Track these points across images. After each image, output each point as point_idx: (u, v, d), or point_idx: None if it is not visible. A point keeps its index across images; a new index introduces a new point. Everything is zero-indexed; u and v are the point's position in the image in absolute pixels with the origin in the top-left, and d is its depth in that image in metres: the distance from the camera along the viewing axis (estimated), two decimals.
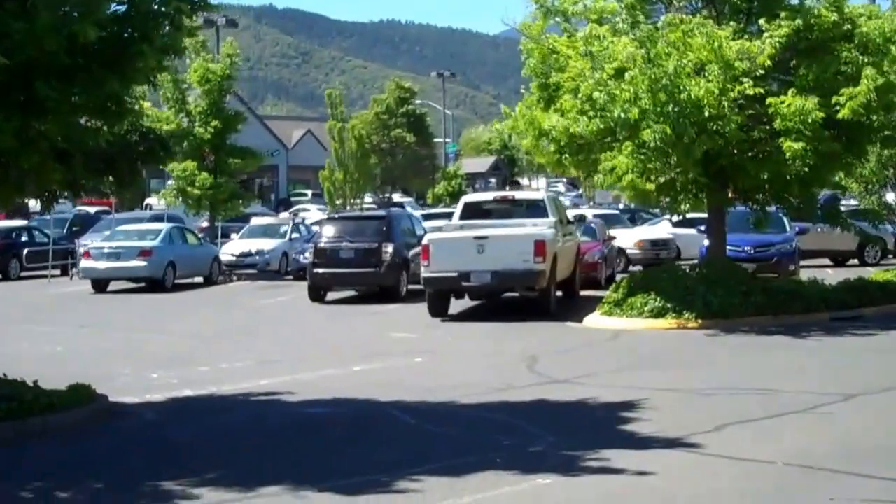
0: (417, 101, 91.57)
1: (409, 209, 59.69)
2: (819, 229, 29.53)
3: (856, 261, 37.01)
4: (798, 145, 19.46)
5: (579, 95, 20.25)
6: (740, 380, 15.26)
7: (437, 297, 23.72)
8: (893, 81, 20.34)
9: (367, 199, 79.19)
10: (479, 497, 9.48)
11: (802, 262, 31.79)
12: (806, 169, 20.12)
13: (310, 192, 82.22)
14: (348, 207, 47.46)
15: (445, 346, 20.12)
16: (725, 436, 11.66)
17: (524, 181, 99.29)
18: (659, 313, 21.24)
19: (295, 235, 38.22)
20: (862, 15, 20.70)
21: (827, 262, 37.23)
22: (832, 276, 26.54)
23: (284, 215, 50.14)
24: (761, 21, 20.53)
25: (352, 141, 48.28)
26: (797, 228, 28.32)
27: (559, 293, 25.33)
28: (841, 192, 26.46)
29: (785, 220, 28.70)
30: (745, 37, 20.63)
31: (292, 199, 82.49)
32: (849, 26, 20.35)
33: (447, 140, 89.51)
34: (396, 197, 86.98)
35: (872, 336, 19.35)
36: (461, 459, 10.74)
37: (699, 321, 20.82)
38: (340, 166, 48.17)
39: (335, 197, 49.30)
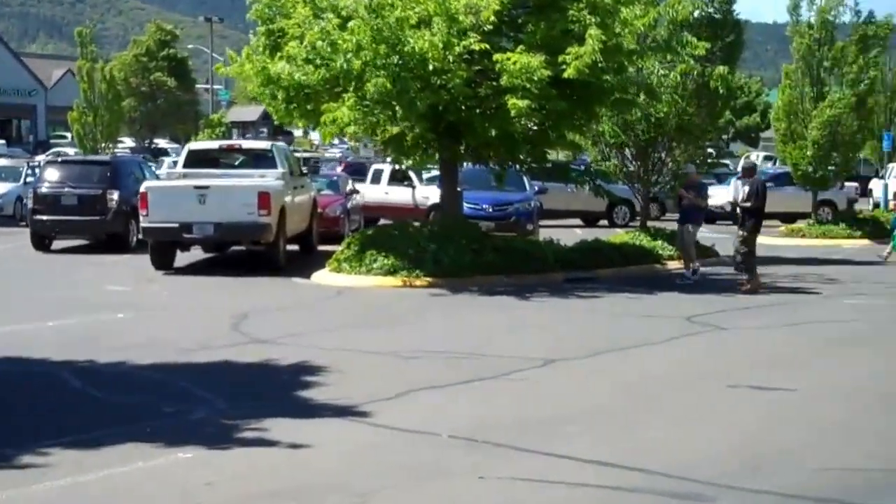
0: (190, 46, 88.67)
1: (172, 156, 57.80)
2: (570, 189, 29.61)
3: (605, 221, 37.65)
4: (523, 103, 19.14)
5: (304, 43, 19.40)
6: (447, 342, 14.79)
7: (159, 249, 22.58)
8: (622, 43, 20.25)
9: (127, 143, 76.47)
10: (103, 474, 8.63)
11: (553, 222, 32.04)
12: (533, 127, 19.84)
13: (70, 135, 78.83)
14: (100, 152, 45.27)
15: (156, 301, 19.08)
16: (405, 403, 11.13)
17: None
18: (389, 271, 20.71)
19: (30, 179, 36.13)
20: None
21: (578, 221, 37.77)
22: (580, 235, 26.63)
23: (41, 158, 47.64)
24: None
25: (103, 83, 45.93)
26: (536, 187, 28.24)
27: (296, 248, 24.58)
28: (576, 152, 26.45)
29: (525, 179, 28.69)
30: None
31: (51, 141, 78.97)
32: None
33: (218, 87, 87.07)
34: (162, 143, 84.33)
35: (598, 298, 19.20)
36: (107, 430, 9.85)
37: (428, 280, 20.39)
38: (90, 108, 45.78)
39: (86, 140, 46.89)
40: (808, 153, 31.76)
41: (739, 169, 32.11)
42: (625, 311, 18.02)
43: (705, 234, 34.74)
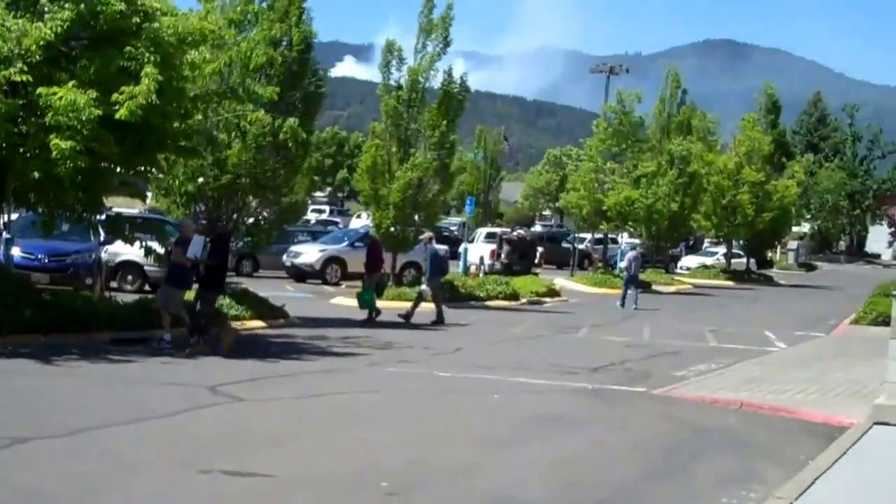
0: None
1: None
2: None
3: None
4: (67, 144, 17.26)
5: None
6: None
7: None
8: (184, 87, 18.82)
9: None
10: None
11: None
12: (81, 170, 17.96)
13: None
14: None
15: None
16: None
17: None
18: None
19: None
20: (158, 10, 18.85)
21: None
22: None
23: None
24: (43, 1, 18.15)
25: None
26: (102, 238, 26.09)
27: None
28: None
29: (95, 228, 26.49)
30: (27, 16, 18.17)
31: None
32: (138, 19, 18.40)
33: None
34: None
35: (130, 363, 17.35)
36: None
37: None
38: None
39: None
40: (391, 214, 31.49)
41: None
42: (150, 377, 16.28)
43: (292, 293, 34.18)
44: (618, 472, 11.17)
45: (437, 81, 31.89)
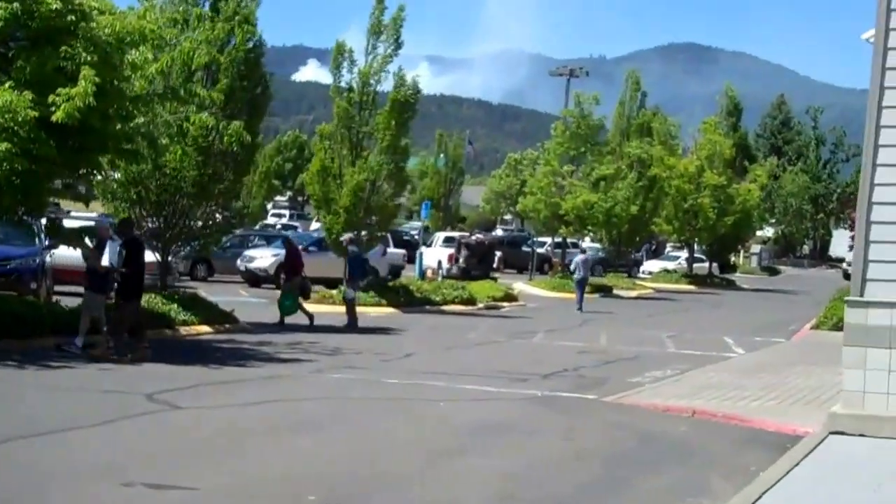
0: None
1: None
2: None
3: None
4: (3, 146, 16.76)
5: None
6: None
7: None
8: (123, 88, 18.32)
9: None
10: None
11: None
12: (18, 173, 17.43)
13: None
14: None
15: None
16: None
17: None
18: None
19: None
20: (96, 9, 18.32)
21: None
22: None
23: None
24: None
25: None
26: (47, 242, 25.46)
27: None
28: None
29: (39, 232, 25.90)
30: None
31: None
32: (74, 18, 17.83)
33: None
34: None
35: (71, 370, 16.84)
36: None
37: None
38: None
39: None
40: (341, 219, 31.02)
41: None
42: (89, 384, 15.71)
43: (245, 298, 33.66)
44: (557, 485, 10.76)
45: (389, 84, 31.56)
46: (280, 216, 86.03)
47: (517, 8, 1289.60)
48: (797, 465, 11.50)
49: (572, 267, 40.55)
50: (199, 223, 24.92)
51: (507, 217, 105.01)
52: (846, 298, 13.61)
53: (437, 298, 34.62)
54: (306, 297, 27.70)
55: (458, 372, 19.07)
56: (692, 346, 26.04)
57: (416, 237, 66.21)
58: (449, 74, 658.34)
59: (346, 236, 29.42)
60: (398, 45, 31.11)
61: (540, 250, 60.14)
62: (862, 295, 13.36)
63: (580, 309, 36.15)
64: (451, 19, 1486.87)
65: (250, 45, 24.09)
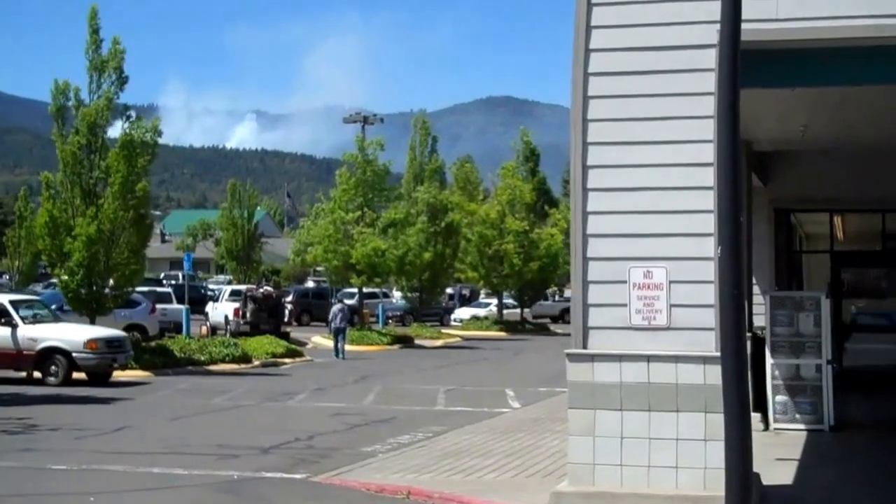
0: None
1: None
2: None
3: None
4: None
5: None
6: None
7: None
8: None
9: None
10: None
11: None
12: None
13: None
14: None
15: None
16: None
17: None
18: None
19: None
20: None
21: None
22: None
23: None
24: None
25: None
26: None
27: None
28: None
29: None
30: None
31: None
32: None
33: None
34: None
35: None
36: None
37: None
38: None
39: None
40: (78, 277, 27.55)
41: None
42: None
43: None
44: None
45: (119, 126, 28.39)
46: None
47: (335, 65, 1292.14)
48: None
49: (330, 317, 40.18)
50: None
51: (320, 269, 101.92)
52: (566, 351, 10.99)
53: (203, 358, 31.34)
54: None
55: (162, 449, 16.01)
56: (467, 401, 23.59)
57: (216, 292, 62.67)
58: (275, 130, 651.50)
59: None
60: (122, 79, 28.07)
61: (350, 301, 57.30)
62: (585, 347, 10.82)
63: (342, 356, 36.91)
64: (272, 75, 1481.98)
65: None
